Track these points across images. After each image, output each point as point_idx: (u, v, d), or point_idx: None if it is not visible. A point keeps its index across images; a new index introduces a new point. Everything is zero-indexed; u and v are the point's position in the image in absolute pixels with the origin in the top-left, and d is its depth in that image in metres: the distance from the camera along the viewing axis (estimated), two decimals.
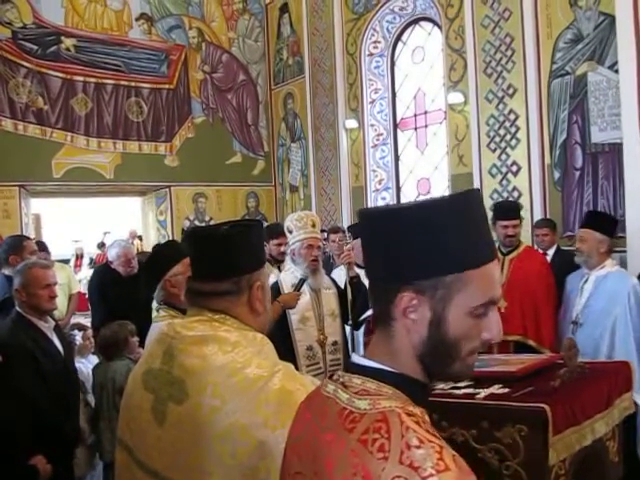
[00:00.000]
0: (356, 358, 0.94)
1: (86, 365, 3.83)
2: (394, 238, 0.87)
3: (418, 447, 0.78)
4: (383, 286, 0.91)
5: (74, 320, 5.52)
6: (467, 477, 0.78)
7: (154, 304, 2.65)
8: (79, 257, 12.79)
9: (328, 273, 4.00)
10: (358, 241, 4.46)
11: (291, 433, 1.01)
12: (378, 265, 0.91)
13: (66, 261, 10.44)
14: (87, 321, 5.10)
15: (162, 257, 2.71)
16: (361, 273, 4.36)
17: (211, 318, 1.41)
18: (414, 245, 0.86)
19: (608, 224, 3.83)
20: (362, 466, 0.78)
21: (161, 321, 2.40)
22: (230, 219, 1.87)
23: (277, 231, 4.45)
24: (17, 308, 2.97)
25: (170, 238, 8.77)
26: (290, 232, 3.47)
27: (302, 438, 0.95)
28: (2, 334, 2.92)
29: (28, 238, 4.91)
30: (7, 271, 4.45)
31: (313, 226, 3.45)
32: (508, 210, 4.24)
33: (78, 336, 3.92)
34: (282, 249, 4.42)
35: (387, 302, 0.90)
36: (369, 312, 3.61)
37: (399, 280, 0.88)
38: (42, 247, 5.88)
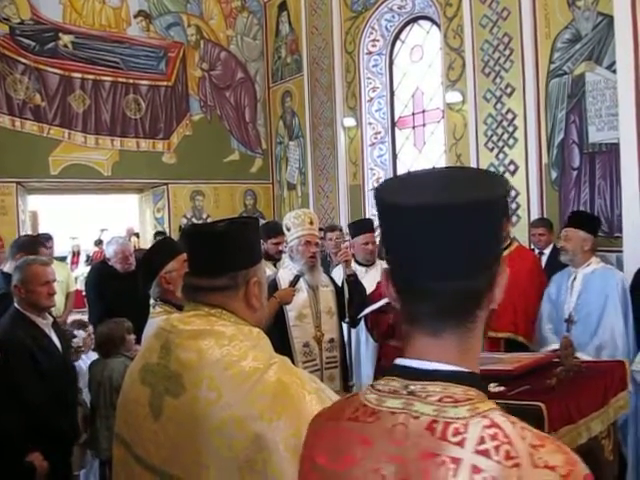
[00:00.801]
0: (418, 363, 0.84)
1: (85, 362, 3.82)
2: (485, 225, 0.81)
3: (542, 446, 0.74)
4: (471, 280, 0.82)
5: (71, 317, 5.52)
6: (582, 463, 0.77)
7: (151, 300, 2.67)
8: (76, 254, 12.77)
9: (326, 271, 4.01)
10: (357, 239, 4.48)
11: (330, 467, 0.85)
12: (458, 262, 0.80)
13: (63, 258, 10.45)
14: (84, 318, 5.09)
15: (157, 254, 2.73)
16: (361, 270, 4.38)
17: (208, 313, 1.41)
18: (498, 224, 0.84)
19: (591, 223, 3.93)
20: (493, 478, 0.71)
21: (157, 317, 2.43)
22: (227, 217, 1.88)
23: (275, 230, 4.45)
24: (16, 304, 2.96)
25: (167, 236, 8.76)
26: (288, 230, 3.48)
27: (358, 470, 0.81)
28: (0, 331, 2.92)
29: (44, 246, 4.88)
30: (6, 268, 4.46)
31: (311, 223, 3.46)
32: None
33: (79, 336, 3.90)
34: (280, 248, 4.42)
35: (477, 294, 0.83)
36: (367, 310, 3.62)
37: (493, 263, 0.84)
38: (47, 237, 5.89)
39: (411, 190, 0.83)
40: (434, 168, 1.05)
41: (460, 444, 0.74)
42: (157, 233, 8.97)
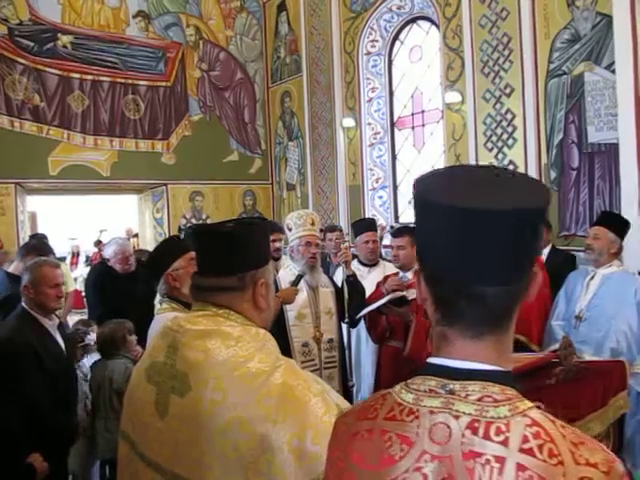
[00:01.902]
0: (456, 362, 0.83)
1: (89, 360, 3.83)
2: (534, 231, 0.82)
3: (582, 443, 0.76)
4: (517, 284, 0.83)
5: (70, 317, 5.51)
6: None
7: (157, 297, 2.73)
8: (75, 255, 12.76)
9: (326, 272, 4.01)
10: (359, 238, 4.49)
11: (367, 467, 0.84)
12: (508, 266, 0.81)
13: (62, 259, 10.44)
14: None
15: (164, 252, 2.79)
16: (364, 271, 4.39)
17: (215, 313, 1.42)
18: (542, 229, 0.84)
19: (621, 226, 3.83)
20: (538, 476, 0.72)
21: (163, 314, 2.50)
22: (227, 217, 1.88)
23: (272, 228, 4.46)
24: (23, 304, 2.97)
25: (166, 236, 8.77)
26: (290, 230, 3.49)
27: (399, 469, 0.80)
28: (7, 330, 2.92)
29: (52, 252, 4.91)
30: (11, 269, 4.47)
31: (312, 224, 3.47)
32: None
33: (91, 335, 3.91)
34: (277, 245, 4.43)
35: (519, 296, 0.84)
36: (365, 310, 3.62)
37: (533, 264, 0.84)
38: (42, 236, 5.91)
39: (464, 191, 0.80)
40: (476, 166, 1.01)
41: (504, 443, 0.75)
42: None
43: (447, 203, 0.79)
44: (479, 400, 0.79)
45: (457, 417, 0.79)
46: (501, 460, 0.74)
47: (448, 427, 0.79)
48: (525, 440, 0.75)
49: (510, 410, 0.78)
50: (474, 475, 0.75)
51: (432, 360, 0.86)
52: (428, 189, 0.83)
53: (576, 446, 0.75)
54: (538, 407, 0.81)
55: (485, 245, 0.78)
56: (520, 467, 0.73)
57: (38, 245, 4.75)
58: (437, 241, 0.83)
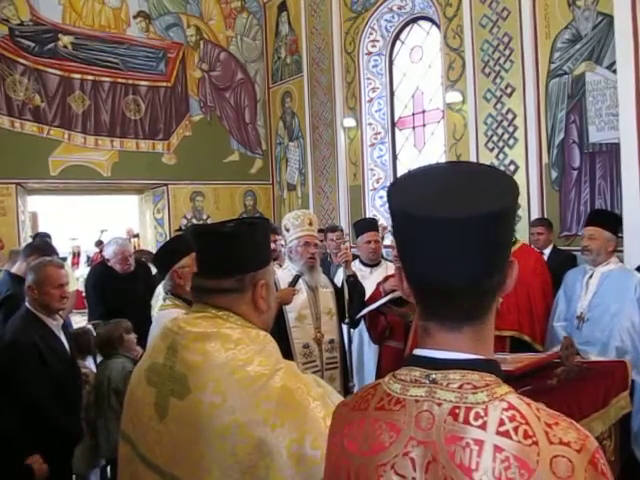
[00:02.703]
0: (437, 353, 0.88)
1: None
2: (504, 229, 0.85)
3: (557, 424, 0.81)
4: (490, 279, 0.86)
5: (71, 317, 5.51)
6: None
7: (155, 293, 2.76)
8: (76, 255, 12.77)
9: (326, 272, 4.00)
10: (360, 238, 4.48)
11: (360, 454, 0.89)
12: (479, 264, 0.84)
13: (63, 259, 10.44)
14: (84, 319, 5.08)
15: (172, 248, 2.84)
16: (366, 271, 4.38)
17: (215, 315, 1.40)
18: (513, 224, 0.89)
19: (615, 223, 3.82)
20: (514, 457, 0.77)
21: (165, 310, 2.57)
22: (227, 218, 1.87)
23: None
24: (27, 304, 2.97)
25: (167, 237, 8.77)
26: (287, 230, 3.48)
27: (389, 455, 0.86)
28: (12, 330, 2.91)
29: (56, 252, 4.91)
30: (14, 269, 4.47)
31: (310, 224, 3.46)
32: None
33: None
34: (272, 246, 4.43)
35: (494, 290, 0.88)
36: (365, 310, 3.62)
37: (507, 258, 0.88)
38: (45, 235, 5.90)
39: (430, 198, 0.84)
40: (447, 165, 1.07)
41: (482, 427, 0.80)
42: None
43: (414, 213, 0.83)
44: (459, 388, 0.83)
45: (439, 404, 0.83)
46: (480, 443, 0.79)
47: (431, 414, 0.83)
48: (501, 423, 0.79)
49: (488, 395, 0.82)
50: (455, 458, 0.80)
51: (416, 352, 0.91)
52: (396, 195, 0.88)
53: (550, 427, 0.80)
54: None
55: (452, 248, 0.82)
56: (497, 449, 0.78)
57: (41, 245, 4.75)
58: (407, 242, 0.88)
